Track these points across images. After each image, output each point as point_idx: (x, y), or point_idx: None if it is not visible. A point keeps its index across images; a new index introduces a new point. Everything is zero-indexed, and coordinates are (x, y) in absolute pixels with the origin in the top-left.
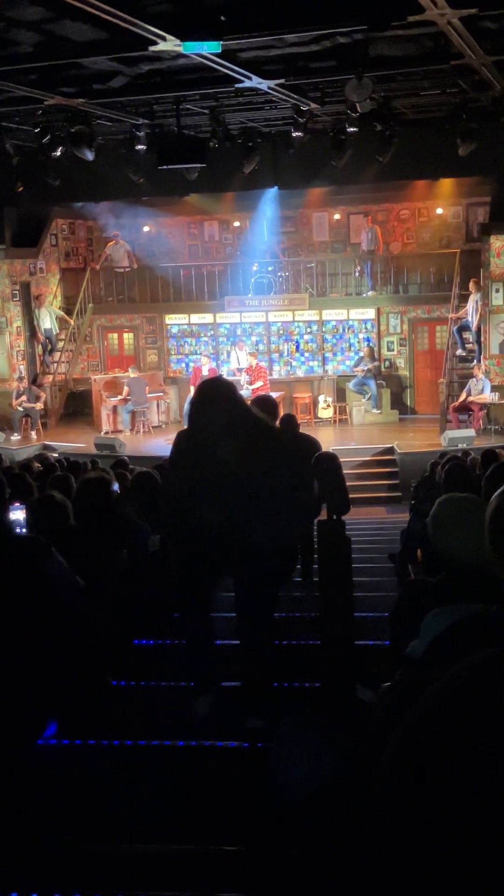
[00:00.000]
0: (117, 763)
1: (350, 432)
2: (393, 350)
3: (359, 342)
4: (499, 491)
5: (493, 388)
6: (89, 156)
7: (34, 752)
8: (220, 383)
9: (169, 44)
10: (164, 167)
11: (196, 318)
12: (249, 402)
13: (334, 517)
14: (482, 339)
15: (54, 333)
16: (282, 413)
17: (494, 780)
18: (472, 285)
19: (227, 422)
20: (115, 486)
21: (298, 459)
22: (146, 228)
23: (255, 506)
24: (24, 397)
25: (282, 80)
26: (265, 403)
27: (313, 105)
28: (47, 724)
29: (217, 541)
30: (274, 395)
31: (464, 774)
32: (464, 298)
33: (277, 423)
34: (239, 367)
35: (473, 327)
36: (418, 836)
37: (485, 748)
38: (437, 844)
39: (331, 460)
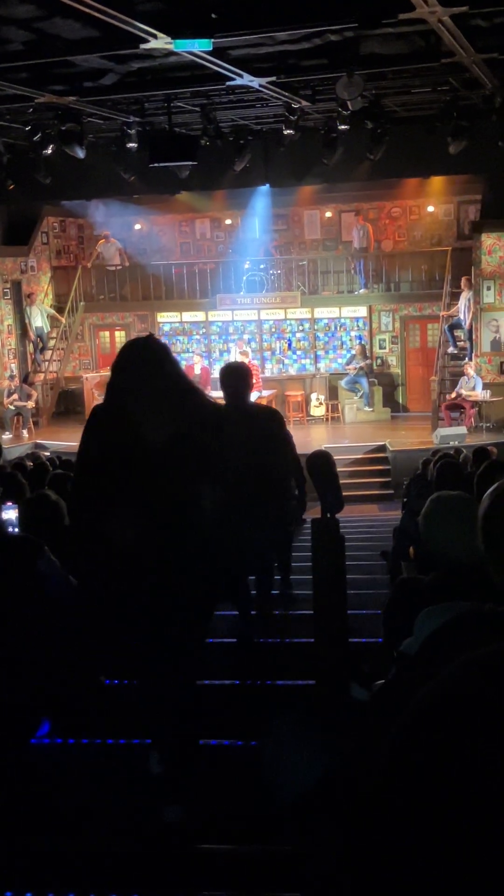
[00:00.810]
0: (111, 762)
1: (342, 430)
2: (385, 348)
3: (351, 340)
4: (491, 489)
5: (485, 386)
6: (80, 154)
7: (27, 751)
8: (147, 342)
9: (160, 41)
10: (156, 165)
11: (188, 316)
12: (219, 372)
13: (328, 515)
14: (473, 336)
15: (45, 332)
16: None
17: (491, 777)
18: (463, 283)
19: (155, 394)
20: None
21: (256, 439)
22: (137, 226)
23: (193, 513)
24: (15, 396)
25: (273, 78)
26: (234, 370)
27: (304, 103)
28: (41, 723)
29: (144, 570)
30: (266, 392)
31: (460, 772)
32: (455, 296)
33: (253, 390)
34: None
35: (465, 325)
36: (415, 833)
37: (481, 745)
38: (435, 841)
39: (325, 459)
